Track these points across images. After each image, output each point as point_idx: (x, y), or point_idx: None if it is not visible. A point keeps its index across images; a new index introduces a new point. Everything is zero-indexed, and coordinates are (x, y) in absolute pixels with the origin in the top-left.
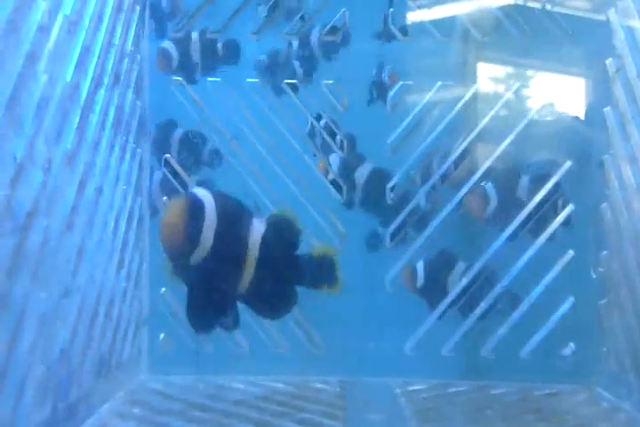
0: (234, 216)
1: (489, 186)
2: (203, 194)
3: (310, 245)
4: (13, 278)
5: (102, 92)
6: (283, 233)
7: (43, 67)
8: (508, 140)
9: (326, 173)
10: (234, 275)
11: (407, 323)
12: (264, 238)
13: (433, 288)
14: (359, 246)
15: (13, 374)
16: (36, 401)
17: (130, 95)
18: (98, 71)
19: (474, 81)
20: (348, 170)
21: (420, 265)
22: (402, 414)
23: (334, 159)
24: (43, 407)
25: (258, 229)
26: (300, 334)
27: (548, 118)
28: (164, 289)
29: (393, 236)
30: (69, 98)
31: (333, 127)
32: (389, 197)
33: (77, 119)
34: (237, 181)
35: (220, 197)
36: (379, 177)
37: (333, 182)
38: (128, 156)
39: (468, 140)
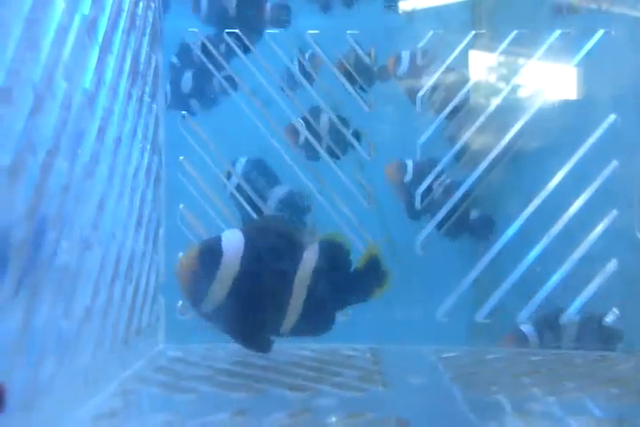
0: (273, 255)
1: None
2: (230, 238)
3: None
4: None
5: (119, 33)
6: (333, 260)
7: None
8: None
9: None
10: (273, 317)
11: (439, 288)
12: (315, 270)
13: None
14: (387, 208)
15: (34, 330)
16: (58, 362)
17: (145, 44)
18: (115, 8)
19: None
20: None
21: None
22: (443, 380)
23: None
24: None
25: (309, 259)
26: None
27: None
28: (181, 254)
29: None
30: (87, 32)
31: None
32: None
33: (96, 58)
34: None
35: (260, 235)
36: None
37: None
38: (145, 109)
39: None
